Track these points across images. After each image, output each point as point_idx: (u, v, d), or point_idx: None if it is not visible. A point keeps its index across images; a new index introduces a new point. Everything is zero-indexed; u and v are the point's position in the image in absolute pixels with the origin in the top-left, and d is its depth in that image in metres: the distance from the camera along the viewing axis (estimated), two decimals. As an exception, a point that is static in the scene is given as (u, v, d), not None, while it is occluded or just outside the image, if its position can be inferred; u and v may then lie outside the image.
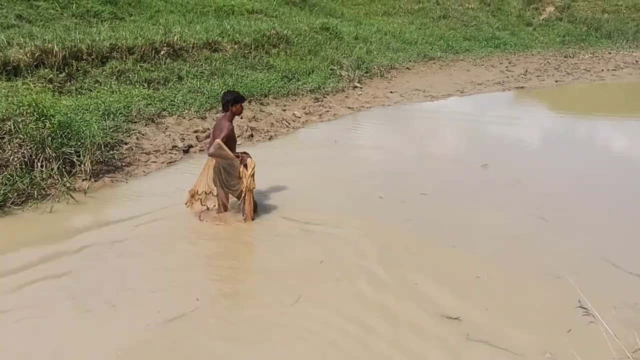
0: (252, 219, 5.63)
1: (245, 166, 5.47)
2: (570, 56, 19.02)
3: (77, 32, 10.76)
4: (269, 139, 8.93)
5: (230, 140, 5.41)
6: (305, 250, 5.15)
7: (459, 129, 10.42)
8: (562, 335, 3.84)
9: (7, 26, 10.59)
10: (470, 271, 4.74)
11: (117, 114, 7.97)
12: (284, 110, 10.41)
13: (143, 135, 7.90)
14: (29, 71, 8.65)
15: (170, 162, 7.43)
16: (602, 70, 16.90)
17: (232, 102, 5.38)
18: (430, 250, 5.18)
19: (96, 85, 9.16)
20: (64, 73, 8.98)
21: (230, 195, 5.71)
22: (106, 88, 9.11)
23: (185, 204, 5.65)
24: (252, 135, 8.88)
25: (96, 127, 7.02)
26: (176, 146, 7.89)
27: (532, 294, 4.45)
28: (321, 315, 4.07)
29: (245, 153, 5.63)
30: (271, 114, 10.03)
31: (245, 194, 5.52)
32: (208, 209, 5.73)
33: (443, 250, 5.15)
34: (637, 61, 18.54)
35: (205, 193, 5.60)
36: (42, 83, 8.49)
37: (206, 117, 9.07)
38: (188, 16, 15.30)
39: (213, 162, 5.49)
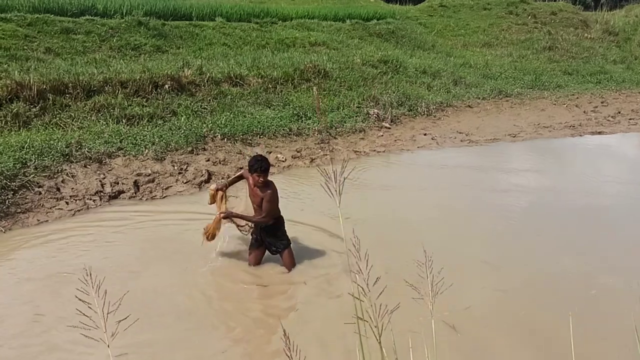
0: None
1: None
2: (688, 96, 15.66)
3: (88, 67, 10.85)
4: (223, 186, 7.98)
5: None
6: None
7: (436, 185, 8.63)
8: None
9: (26, 59, 10.90)
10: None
11: (53, 153, 7.58)
12: (270, 152, 9.42)
13: (72, 176, 7.41)
14: (1, 105, 8.67)
15: (79, 210, 6.82)
16: None
17: (250, 169, 5.20)
18: None
19: (69, 120, 8.95)
20: (37, 107, 8.89)
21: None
22: (76, 124, 8.87)
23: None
24: (205, 181, 8.02)
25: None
26: (101, 191, 7.27)
27: None
28: None
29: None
30: (250, 156, 9.01)
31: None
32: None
33: None
34: None
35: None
36: (8, 117, 8.45)
37: (164, 159, 8.38)
38: (241, 49, 15.02)
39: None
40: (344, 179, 1.75)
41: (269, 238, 5.41)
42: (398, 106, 12.66)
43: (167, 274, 5.25)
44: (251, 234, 5.50)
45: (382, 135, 11.04)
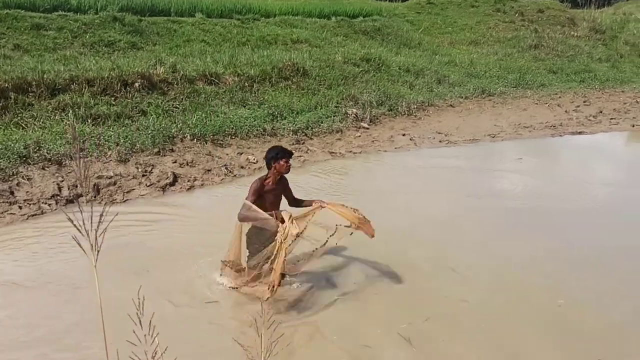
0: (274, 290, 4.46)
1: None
2: (672, 95, 15.49)
3: (56, 64, 10.53)
4: (188, 189, 7.70)
5: (263, 202, 4.65)
6: None
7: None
8: None
9: (-6, 56, 10.56)
10: None
11: (9, 155, 7.27)
12: (241, 153, 9.14)
13: (27, 179, 7.10)
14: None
15: (33, 215, 6.51)
16: None
17: (275, 158, 4.72)
18: None
19: (30, 120, 8.64)
20: (-3, 106, 8.57)
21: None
22: (38, 123, 8.56)
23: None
24: (171, 184, 7.72)
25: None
26: (58, 195, 6.97)
27: None
28: None
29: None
30: (220, 157, 8.83)
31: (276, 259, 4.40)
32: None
33: None
34: None
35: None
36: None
37: (128, 161, 8.08)
38: (220, 47, 14.70)
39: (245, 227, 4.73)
40: (104, 232, 1.46)
41: None
42: (378, 106, 12.40)
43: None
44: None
45: (359, 136, 10.78)
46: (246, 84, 11.77)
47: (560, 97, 14.91)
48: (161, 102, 10.17)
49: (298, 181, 7.44)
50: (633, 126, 12.29)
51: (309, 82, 12.68)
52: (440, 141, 10.81)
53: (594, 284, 5.28)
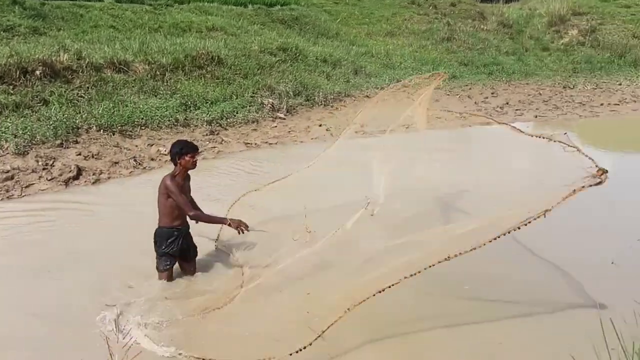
0: None
1: None
2: (569, 87, 16.44)
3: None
4: (93, 183, 7.35)
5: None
6: None
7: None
8: None
9: None
10: None
11: None
12: (151, 144, 8.85)
13: None
14: None
15: None
16: (602, 104, 14.35)
17: (179, 154, 4.54)
18: None
19: None
20: None
21: None
22: None
23: None
24: (74, 178, 7.33)
25: None
26: (-55, 191, 6.45)
27: None
28: None
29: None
30: (128, 149, 8.50)
31: None
32: None
33: None
34: (651, 95, 15.85)
35: None
36: None
37: (27, 153, 7.61)
38: (131, 33, 14.09)
39: None
40: None
41: (190, 240, 4.89)
42: (295, 96, 12.37)
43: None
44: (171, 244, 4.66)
45: (275, 127, 10.72)
46: (158, 73, 11.36)
47: (470, 88, 15.50)
48: (65, 91, 9.62)
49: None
50: (536, 117, 12.98)
51: (224, 71, 12.42)
52: (356, 132, 10.90)
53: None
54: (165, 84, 11.16)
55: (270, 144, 9.83)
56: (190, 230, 4.81)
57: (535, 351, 4.02)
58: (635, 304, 3.51)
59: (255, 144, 9.72)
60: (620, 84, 17.08)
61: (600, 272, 5.20)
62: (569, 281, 5.03)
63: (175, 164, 4.58)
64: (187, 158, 4.52)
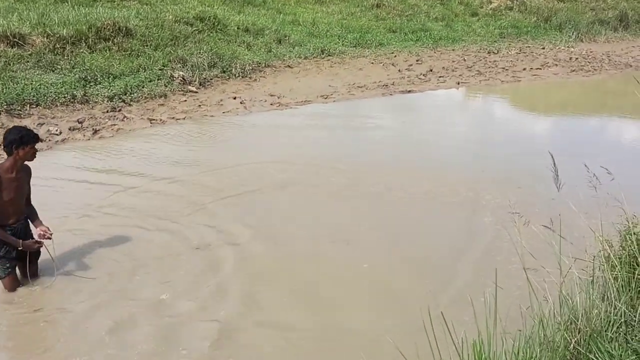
0: None
1: None
2: (494, 52, 16.47)
3: None
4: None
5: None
6: None
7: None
8: None
9: None
10: None
11: None
12: (42, 124, 8.19)
13: None
14: None
15: None
16: (524, 69, 14.41)
17: (18, 143, 3.98)
18: None
19: None
20: None
21: None
22: None
23: None
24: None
25: None
26: None
27: None
28: None
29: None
30: (14, 131, 7.78)
31: None
32: None
33: None
34: (571, 58, 15.99)
35: None
36: None
37: None
38: (35, 4, 13.07)
39: None
40: None
41: (31, 238, 4.38)
42: (210, 68, 11.80)
43: None
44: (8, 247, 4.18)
45: (185, 101, 10.18)
46: (57, 46, 10.59)
47: (395, 56, 15.25)
48: (-54, 68, 8.79)
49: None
50: (458, 84, 12.89)
51: (132, 43, 11.69)
52: (271, 104, 10.53)
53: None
54: (65, 58, 10.42)
55: (177, 119, 9.30)
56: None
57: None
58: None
59: (161, 119, 9.17)
60: (543, 48, 17.27)
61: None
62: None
63: (10, 154, 4.05)
64: (26, 149, 4.03)
